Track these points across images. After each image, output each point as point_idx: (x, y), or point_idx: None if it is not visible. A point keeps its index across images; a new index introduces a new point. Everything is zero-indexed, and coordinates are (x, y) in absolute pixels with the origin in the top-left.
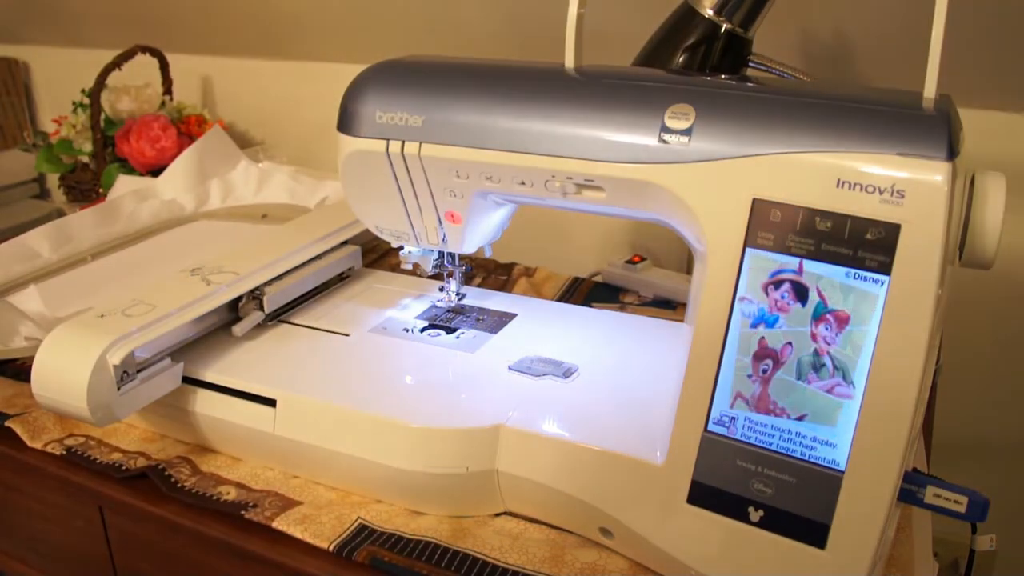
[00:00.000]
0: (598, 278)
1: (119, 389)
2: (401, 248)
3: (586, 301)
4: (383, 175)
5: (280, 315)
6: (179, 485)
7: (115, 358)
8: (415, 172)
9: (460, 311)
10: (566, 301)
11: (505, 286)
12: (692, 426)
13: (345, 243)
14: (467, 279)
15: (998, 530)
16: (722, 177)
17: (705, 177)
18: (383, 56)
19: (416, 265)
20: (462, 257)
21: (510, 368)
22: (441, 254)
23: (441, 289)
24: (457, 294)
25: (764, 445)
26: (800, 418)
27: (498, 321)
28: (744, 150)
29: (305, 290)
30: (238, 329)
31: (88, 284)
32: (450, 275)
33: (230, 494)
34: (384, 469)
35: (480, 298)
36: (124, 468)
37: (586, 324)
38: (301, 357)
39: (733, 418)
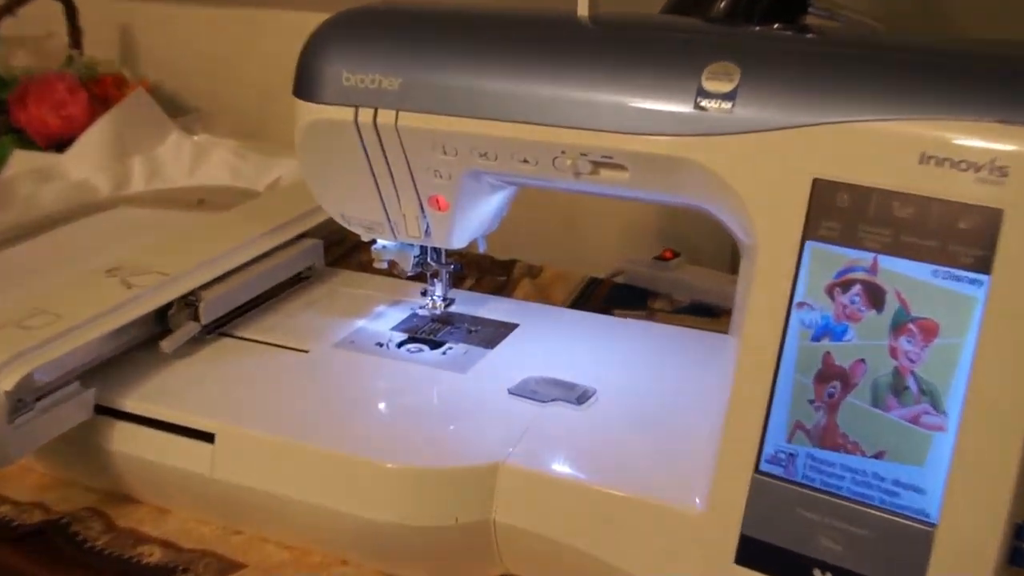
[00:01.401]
0: (620, 279)
1: (11, 422)
2: (374, 242)
3: (605, 307)
4: (351, 151)
5: (221, 326)
6: (88, 545)
7: (7, 383)
8: (391, 147)
9: (448, 320)
10: (580, 307)
11: (504, 289)
12: (739, 465)
13: (303, 236)
14: (456, 281)
15: None
16: (774, 152)
17: (753, 152)
18: (351, 1)
19: (392, 263)
20: (450, 254)
21: (511, 392)
22: (424, 250)
23: (424, 293)
24: (444, 299)
25: (832, 489)
26: (877, 455)
27: (495, 333)
28: (802, 118)
29: (252, 295)
30: (167, 345)
31: None
32: (435, 276)
33: (154, 555)
34: (352, 521)
35: (473, 304)
36: (15, 525)
37: (605, 336)
38: (247, 380)
39: (792, 455)
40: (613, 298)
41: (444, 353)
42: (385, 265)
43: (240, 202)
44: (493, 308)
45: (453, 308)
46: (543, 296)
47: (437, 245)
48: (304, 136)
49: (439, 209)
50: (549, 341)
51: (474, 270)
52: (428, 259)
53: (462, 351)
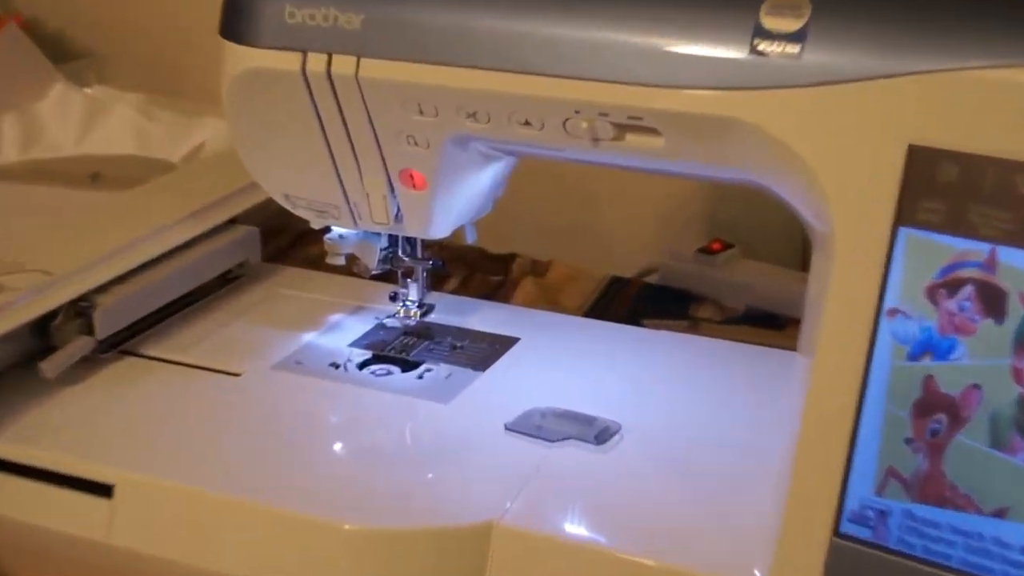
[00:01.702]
0: (653, 278)
1: None
2: (327, 231)
3: (633, 316)
4: (297, 110)
5: (123, 343)
6: None
7: None
8: (350, 105)
9: (425, 334)
10: (600, 316)
11: (499, 292)
12: (813, 526)
13: (233, 223)
14: (437, 281)
15: None
16: (856, 110)
17: (827, 110)
18: None
19: (352, 259)
20: (428, 246)
21: (508, 428)
22: (393, 240)
23: (394, 298)
24: (420, 306)
25: (937, 559)
26: (999, 513)
27: (488, 350)
28: (892, 65)
29: (165, 301)
30: (49, 367)
31: None
32: (408, 275)
33: None
34: None
35: (458, 312)
36: None
37: (632, 354)
38: (158, 414)
39: (883, 512)
40: (643, 304)
41: (420, 377)
42: (342, 261)
43: (148, 177)
44: (485, 317)
45: (432, 317)
46: (551, 301)
47: (411, 234)
48: (234, 90)
49: (414, 187)
50: (559, 361)
51: (460, 267)
52: (399, 253)
53: (444, 374)
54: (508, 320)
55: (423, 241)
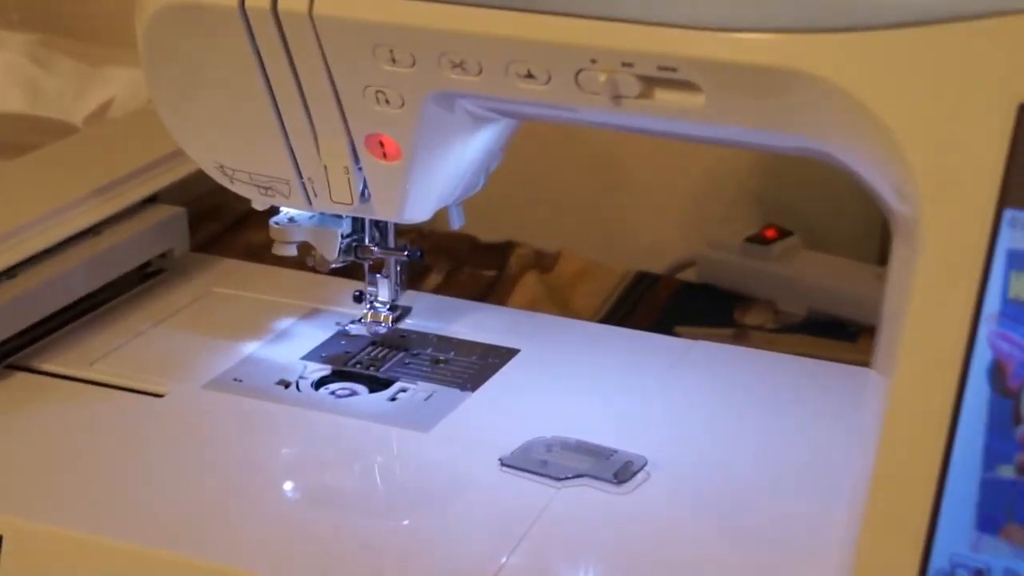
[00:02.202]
0: (689, 274)
1: None
2: (274, 213)
3: (664, 322)
4: (234, 59)
5: (11, 354)
6: None
7: None
8: (302, 51)
9: (399, 344)
10: (622, 322)
11: (494, 291)
12: None
13: (152, 201)
14: (414, 277)
15: None
16: (951, 59)
17: (915, 59)
18: None
19: (306, 249)
20: (402, 232)
21: (505, 464)
22: (359, 225)
23: (359, 298)
24: (392, 308)
25: None
26: None
27: (479, 365)
28: (999, 0)
29: (65, 302)
30: None
31: None
32: (377, 269)
33: None
34: None
35: (442, 316)
36: None
37: (664, 370)
38: (58, 446)
39: (979, 572)
40: (677, 307)
41: (393, 399)
42: (293, 252)
43: (42, 142)
44: (476, 323)
45: (408, 323)
46: (559, 303)
47: (381, 217)
48: (153, 31)
49: (384, 157)
50: (569, 379)
51: (444, 260)
52: (366, 241)
53: (423, 395)
54: (505, 327)
55: (396, 226)
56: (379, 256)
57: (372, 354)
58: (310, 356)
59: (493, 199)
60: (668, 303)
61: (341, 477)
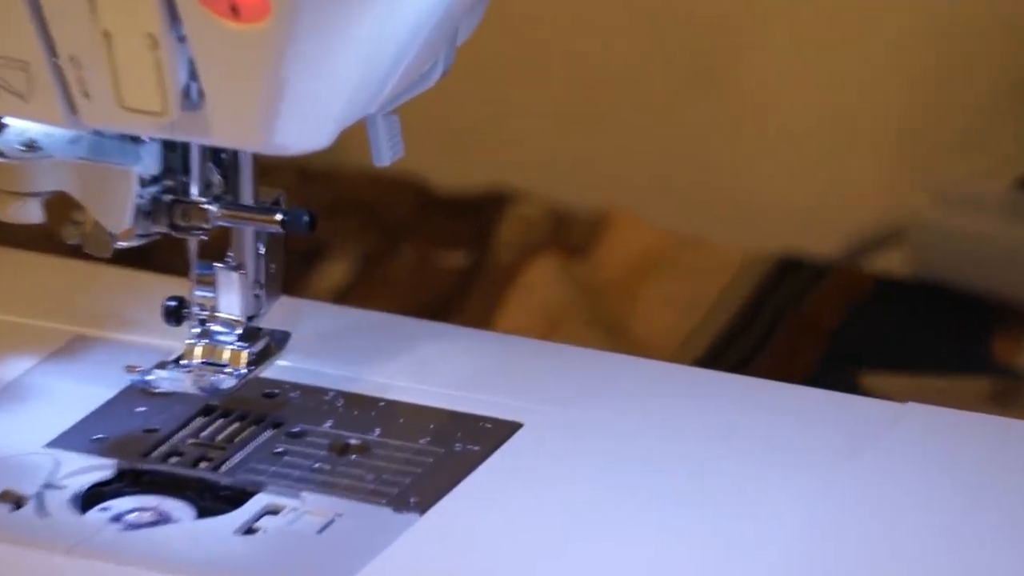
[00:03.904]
0: (887, 260)
1: None
2: None
3: (835, 362)
4: None
5: None
6: None
7: None
8: None
9: (264, 413)
10: (743, 363)
11: (466, 296)
12: None
13: None
14: (298, 267)
15: None
16: None
17: None
18: None
19: (63, 207)
20: (269, 173)
21: None
22: (178, 162)
23: (176, 313)
24: (246, 335)
25: None
26: None
27: (435, 458)
28: None
29: None
30: None
31: None
32: (216, 252)
33: None
34: None
35: (355, 351)
36: None
37: (841, 484)
38: None
39: None
40: (867, 330)
41: (250, 532)
42: (36, 215)
43: None
44: (428, 364)
45: (283, 365)
46: (605, 321)
47: (227, 144)
48: None
49: (235, 15)
50: (625, 497)
51: (360, 231)
52: (193, 194)
53: (315, 523)
54: (488, 374)
55: (259, 163)
56: (221, 224)
57: (205, 435)
58: (68, 441)
59: (466, 108)
60: (846, 322)
61: None
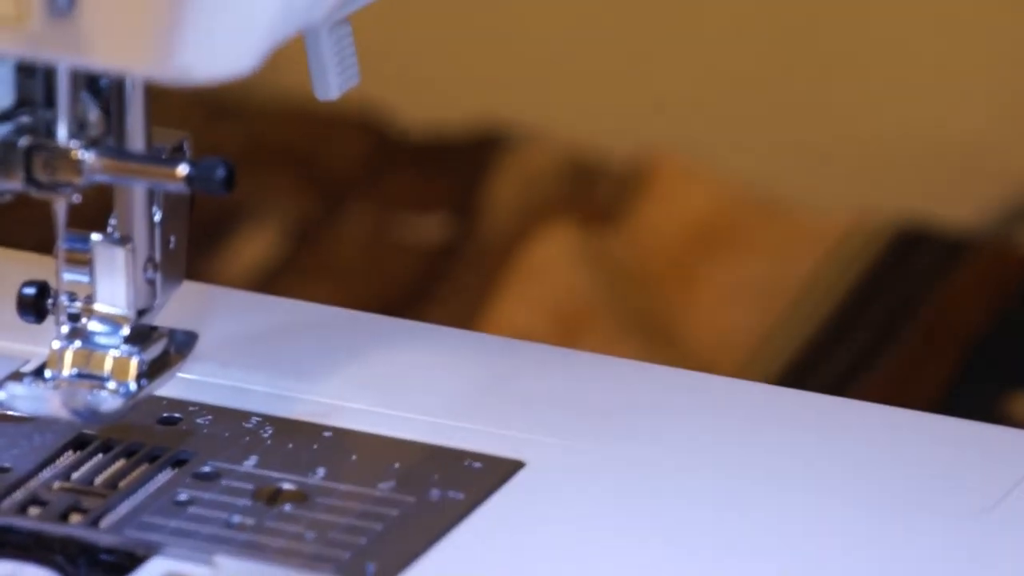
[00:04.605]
0: None
1: None
2: None
3: (977, 378)
4: None
5: None
6: None
7: None
8: None
9: (158, 443)
10: (848, 382)
11: (446, 280)
12: None
13: None
14: (207, 240)
15: None
16: None
17: None
18: None
19: None
20: (166, 110)
21: None
22: (39, 92)
23: (35, 305)
24: (137, 335)
25: None
26: None
27: (401, 509)
28: None
29: None
30: None
31: None
32: (93, 220)
33: None
34: None
35: (293, 359)
36: None
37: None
38: None
39: None
40: (1019, 336)
41: None
42: None
43: None
44: (390, 381)
45: (189, 378)
46: (647, 319)
47: (111, 64)
48: None
49: None
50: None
51: (295, 192)
52: (61, 138)
53: None
54: (478, 388)
55: (151, 96)
56: (100, 180)
57: (78, 476)
58: None
59: (446, 15)
60: (990, 322)
61: None
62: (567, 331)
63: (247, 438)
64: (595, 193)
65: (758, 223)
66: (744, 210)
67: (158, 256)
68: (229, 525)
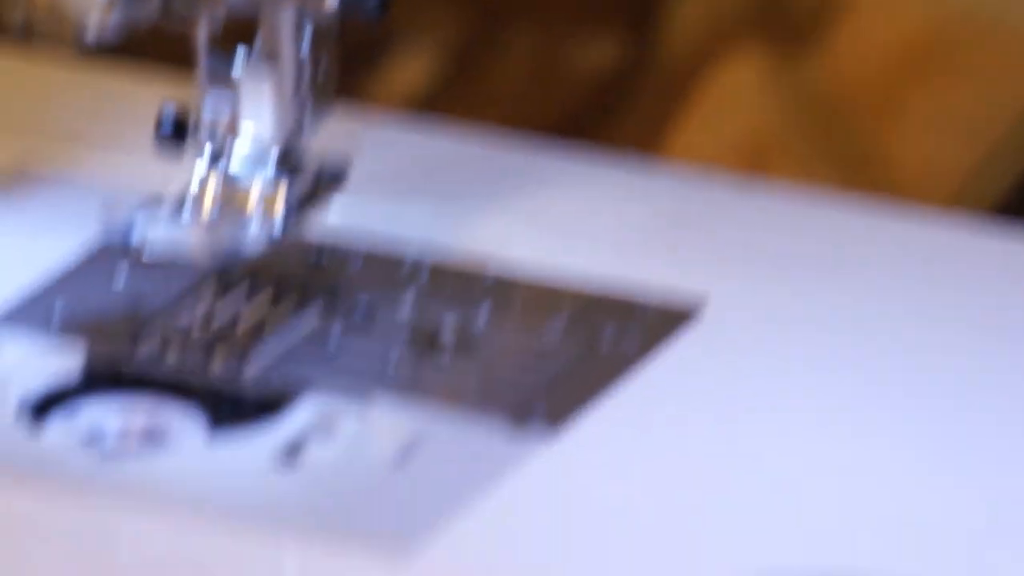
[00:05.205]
0: None
1: None
2: None
3: None
4: None
5: None
6: None
7: None
8: None
9: (308, 281)
10: None
11: (616, 113)
12: None
13: None
14: (355, 60)
15: None
16: None
17: None
18: None
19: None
20: None
21: None
22: None
23: (178, 133)
24: (287, 164)
25: None
26: None
27: (566, 355)
28: None
29: None
30: None
31: None
32: (241, 37)
33: None
34: None
35: (450, 197)
36: None
37: None
38: None
39: None
40: None
41: (289, 452)
42: None
43: None
44: (556, 203)
45: (343, 208)
46: (851, 162)
47: None
48: None
49: None
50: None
51: (466, 9)
52: None
53: (390, 451)
54: (654, 226)
55: None
56: (241, 5)
57: (219, 317)
58: (13, 319)
59: None
60: None
61: None
62: (755, 162)
63: (403, 279)
64: (789, 11)
65: (974, 45)
66: (959, 31)
67: (306, 82)
68: (384, 375)
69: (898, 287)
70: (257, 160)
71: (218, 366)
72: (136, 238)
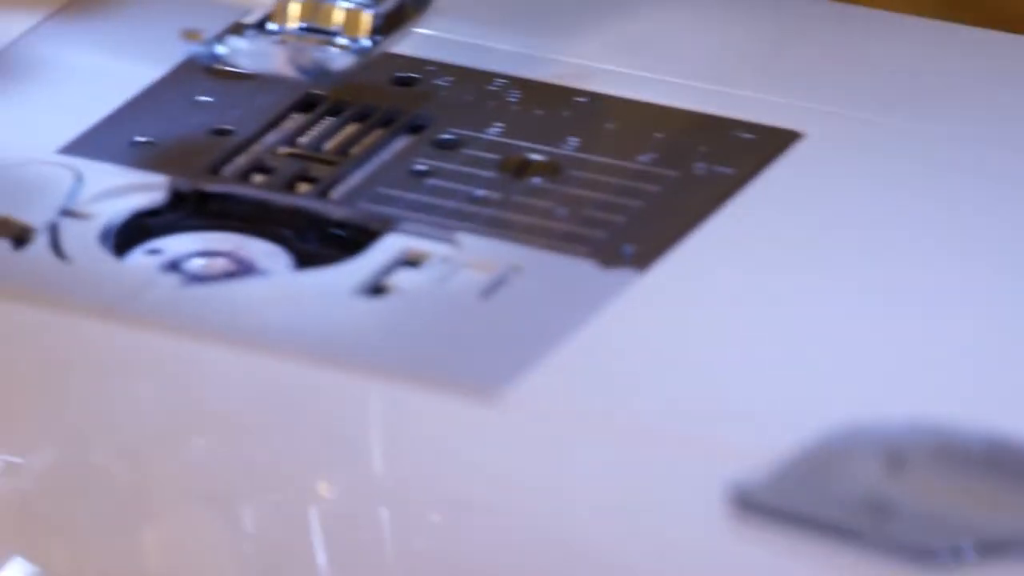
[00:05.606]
0: None
1: None
2: None
3: None
4: None
5: None
6: None
7: None
8: None
9: (398, 107)
10: None
11: None
12: None
13: None
14: None
15: None
16: None
17: None
18: None
19: None
20: None
21: (747, 505)
22: None
23: None
24: None
25: None
26: None
27: (666, 182)
28: None
29: None
30: None
31: None
32: None
33: None
34: None
35: (549, 9)
36: None
37: None
38: None
39: None
40: None
41: (375, 291)
42: None
43: None
44: (650, 23)
45: (430, 28)
46: None
47: None
48: None
49: None
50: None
51: None
52: None
53: (477, 279)
54: (751, 49)
55: None
56: None
57: (305, 141)
58: (94, 145)
59: None
60: None
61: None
62: None
63: (492, 102)
64: None
65: None
66: None
67: None
68: (472, 199)
69: (1009, 117)
70: None
71: (304, 193)
72: (221, 54)
